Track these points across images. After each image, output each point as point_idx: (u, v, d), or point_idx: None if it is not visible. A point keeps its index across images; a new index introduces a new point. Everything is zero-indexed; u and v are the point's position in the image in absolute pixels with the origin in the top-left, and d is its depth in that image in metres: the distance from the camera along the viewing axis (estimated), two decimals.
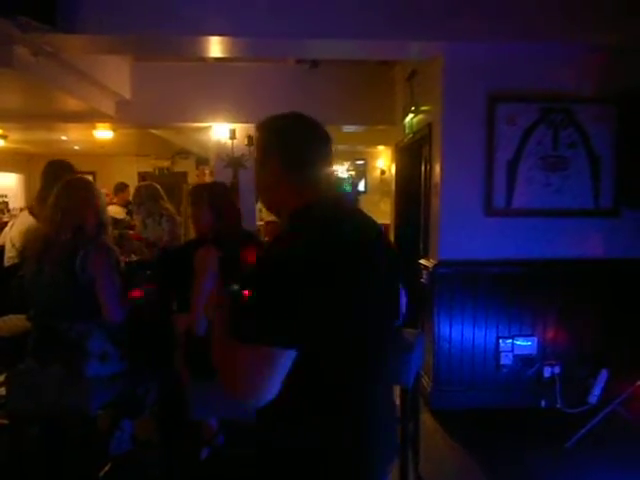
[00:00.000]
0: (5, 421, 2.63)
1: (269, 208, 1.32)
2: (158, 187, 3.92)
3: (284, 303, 1.02)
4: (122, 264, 2.47)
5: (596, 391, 3.47)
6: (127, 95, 5.50)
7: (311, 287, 1.03)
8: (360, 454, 1.15)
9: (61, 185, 2.43)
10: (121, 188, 6.28)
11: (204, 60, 5.33)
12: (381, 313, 1.19)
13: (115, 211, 5.71)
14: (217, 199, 2.49)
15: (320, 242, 1.09)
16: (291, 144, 1.24)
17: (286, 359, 1.03)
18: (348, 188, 2.81)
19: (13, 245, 4.95)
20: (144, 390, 2.64)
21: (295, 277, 1.02)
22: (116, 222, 4.65)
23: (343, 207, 1.27)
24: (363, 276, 1.13)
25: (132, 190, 6.44)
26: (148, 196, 3.82)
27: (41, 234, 2.36)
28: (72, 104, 5.08)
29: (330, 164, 1.29)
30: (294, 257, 1.04)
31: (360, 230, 1.21)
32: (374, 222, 1.30)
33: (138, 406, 2.64)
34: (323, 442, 1.11)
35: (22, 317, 3.54)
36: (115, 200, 6.11)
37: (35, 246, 2.36)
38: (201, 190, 2.59)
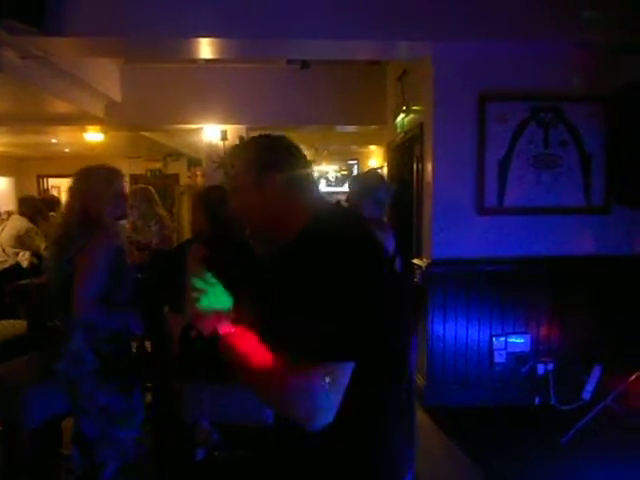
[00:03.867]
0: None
1: (263, 232, 1.26)
2: (153, 191, 3.91)
3: (352, 315, 1.00)
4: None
5: (589, 387, 3.49)
6: (117, 97, 5.47)
7: (372, 296, 1.03)
8: (396, 454, 1.18)
9: (78, 173, 2.27)
10: None
11: (194, 62, 5.31)
12: (404, 316, 1.22)
13: None
14: (212, 204, 2.47)
15: (360, 249, 1.09)
16: (288, 160, 1.23)
17: (347, 373, 1.01)
18: (384, 195, 2.73)
19: (4, 250, 4.93)
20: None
21: (362, 286, 1.01)
22: None
23: (353, 217, 1.28)
24: (393, 282, 1.15)
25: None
26: (142, 199, 3.81)
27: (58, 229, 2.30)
28: (61, 107, 5.05)
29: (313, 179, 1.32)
30: (354, 268, 1.03)
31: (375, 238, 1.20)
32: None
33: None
34: (372, 447, 1.12)
35: (14, 322, 3.53)
36: None
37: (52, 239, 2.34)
38: (199, 194, 2.59)
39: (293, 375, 0.99)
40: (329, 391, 0.98)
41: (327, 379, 0.97)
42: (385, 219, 2.75)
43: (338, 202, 1.30)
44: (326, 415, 0.99)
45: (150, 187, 4.01)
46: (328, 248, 1.05)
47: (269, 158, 1.22)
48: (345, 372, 0.99)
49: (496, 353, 3.60)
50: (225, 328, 1.11)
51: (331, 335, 0.98)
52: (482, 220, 3.54)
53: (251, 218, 1.25)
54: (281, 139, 1.28)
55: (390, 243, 2.55)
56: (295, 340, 1.00)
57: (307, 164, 1.27)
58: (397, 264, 2.60)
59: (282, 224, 1.21)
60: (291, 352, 1.00)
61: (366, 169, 10.23)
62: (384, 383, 1.11)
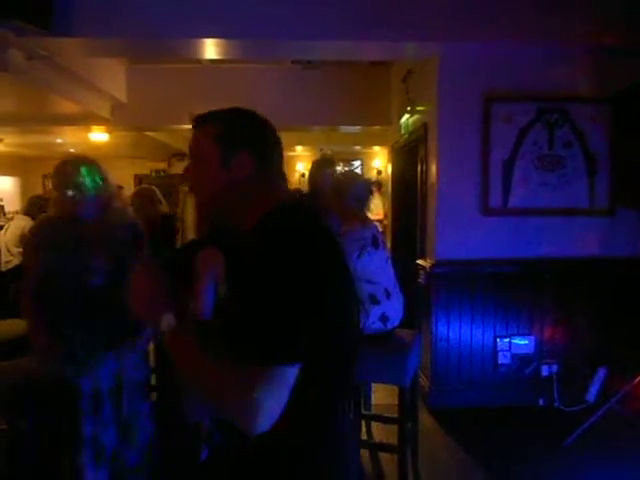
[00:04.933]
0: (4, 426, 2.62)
1: (220, 215, 1.14)
2: (156, 190, 3.93)
3: (305, 314, 0.93)
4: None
5: (594, 389, 3.48)
6: (123, 98, 5.50)
7: (329, 295, 0.98)
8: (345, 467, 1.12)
9: None
10: (117, 188, 6.29)
11: (199, 62, 5.33)
12: (355, 323, 1.11)
13: None
14: None
15: (323, 246, 1.02)
16: (262, 137, 1.10)
17: (292, 376, 0.93)
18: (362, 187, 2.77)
19: (9, 250, 4.96)
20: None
21: (315, 284, 0.95)
22: None
23: (312, 215, 1.13)
24: (347, 285, 1.07)
25: (128, 193, 6.45)
26: (146, 199, 3.84)
27: None
28: (67, 107, 5.08)
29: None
30: (309, 263, 0.95)
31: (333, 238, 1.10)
32: None
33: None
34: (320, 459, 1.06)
35: (19, 321, 3.54)
36: None
37: None
38: None
39: (236, 375, 0.93)
40: (272, 394, 0.91)
41: (271, 382, 0.91)
42: (368, 214, 2.79)
43: (300, 195, 1.21)
44: (267, 419, 0.91)
45: (153, 187, 4.03)
46: (282, 247, 0.96)
47: (243, 135, 1.09)
48: (289, 375, 0.92)
49: (500, 354, 3.59)
50: (168, 320, 1.04)
51: (278, 336, 0.92)
52: (486, 221, 3.53)
53: (204, 195, 1.12)
54: (256, 116, 1.12)
55: (368, 236, 2.56)
56: (241, 339, 0.94)
57: (280, 148, 1.14)
58: (381, 254, 2.60)
59: (238, 210, 1.10)
60: (236, 351, 0.94)
61: (368, 170, 10.25)
62: (329, 390, 1.03)
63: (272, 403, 0.92)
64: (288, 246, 0.96)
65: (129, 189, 7.02)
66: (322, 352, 0.97)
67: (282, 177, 1.14)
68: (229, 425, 0.98)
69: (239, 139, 1.08)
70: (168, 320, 1.04)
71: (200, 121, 1.12)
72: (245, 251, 1.02)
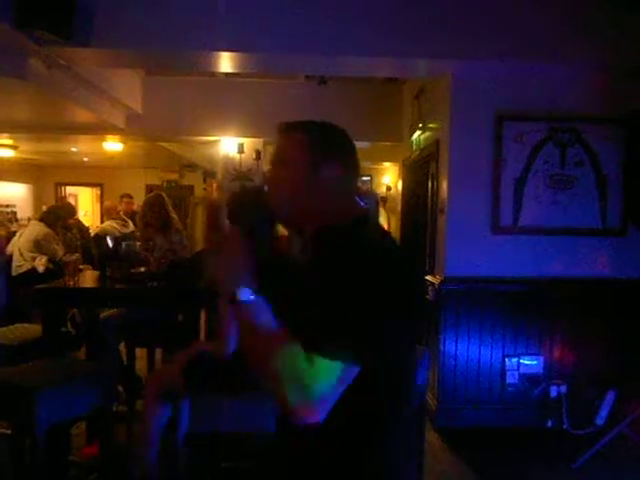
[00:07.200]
0: (8, 431, 2.62)
1: (298, 219, 1.19)
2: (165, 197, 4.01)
3: (384, 319, 1.00)
4: None
5: (603, 412, 3.42)
6: (138, 109, 5.57)
7: (409, 304, 1.05)
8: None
9: None
10: (126, 196, 6.39)
11: (214, 75, 5.40)
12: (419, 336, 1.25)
13: (112, 226, 5.84)
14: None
15: (408, 258, 1.14)
16: (349, 148, 1.19)
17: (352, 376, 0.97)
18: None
19: (21, 254, 5.01)
20: None
21: (402, 299, 1.03)
22: (118, 238, 4.72)
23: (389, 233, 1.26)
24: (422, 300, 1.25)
25: (137, 202, 6.53)
26: (166, 204, 3.91)
27: None
28: (83, 116, 5.15)
29: None
30: (399, 274, 1.04)
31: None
32: None
33: None
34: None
35: (28, 326, 3.56)
36: (120, 209, 6.19)
37: None
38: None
39: (295, 359, 0.94)
40: (328, 388, 0.94)
41: (329, 376, 0.94)
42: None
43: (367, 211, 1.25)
44: (317, 410, 0.93)
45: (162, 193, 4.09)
46: (384, 258, 1.04)
47: (334, 144, 1.17)
48: (347, 375, 0.95)
49: (508, 374, 3.55)
50: (244, 295, 1.02)
51: (347, 336, 0.95)
52: (497, 239, 3.52)
53: (285, 199, 1.16)
54: (340, 128, 1.20)
55: None
56: (324, 333, 0.96)
57: (359, 165, 1.23)
58: None
59: (318, 217, 1.16)
60: (314, 342, 0.95)
61: (378, 185, 10.27)
62: (392, 398, 1.10)
63: (325, 396, 0.94)
64: (369, 258, 1.02)
65: (140, 199, 7.10)
66: (390, 356, 1.03)
67: (357, 190, 1.22)
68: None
69: (330, 147, 1.16)
70: (246, 294, 1.02)
71: (290, 128, 1.18)
72: (329, 260, 1.07)
